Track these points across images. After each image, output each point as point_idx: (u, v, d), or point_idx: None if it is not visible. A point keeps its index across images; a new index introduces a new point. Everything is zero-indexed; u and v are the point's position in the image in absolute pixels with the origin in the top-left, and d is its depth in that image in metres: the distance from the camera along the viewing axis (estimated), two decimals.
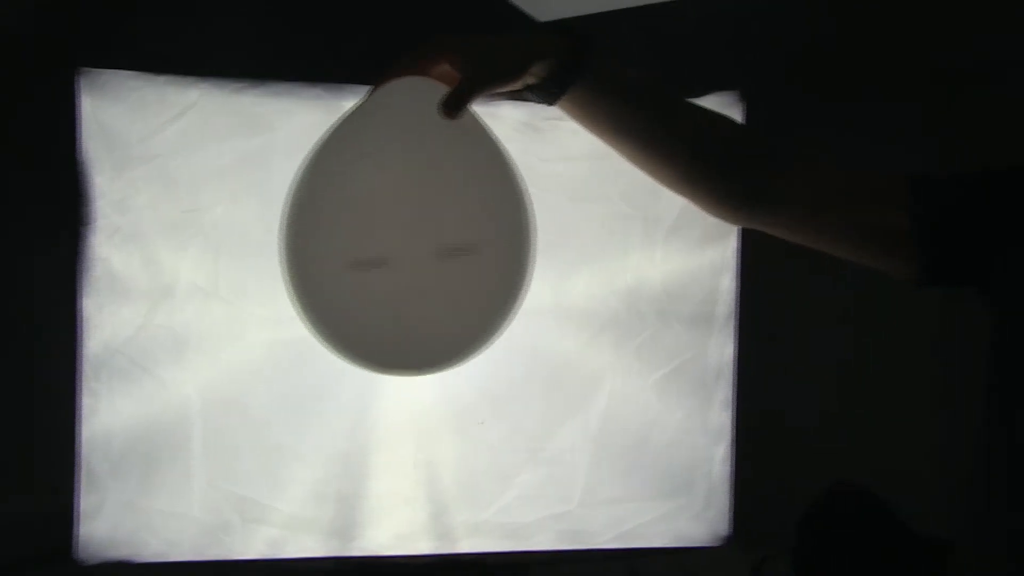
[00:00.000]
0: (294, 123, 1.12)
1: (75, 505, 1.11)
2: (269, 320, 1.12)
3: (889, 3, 1.26)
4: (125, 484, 1.11)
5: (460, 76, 0.85)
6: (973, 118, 1.36)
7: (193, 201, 1.11)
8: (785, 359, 1.36)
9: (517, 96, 0.94)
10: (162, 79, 1.09)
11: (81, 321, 1.09)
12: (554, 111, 0.95)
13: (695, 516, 1.27)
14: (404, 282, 0.89)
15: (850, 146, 1.30)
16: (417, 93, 0.86)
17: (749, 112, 1.24)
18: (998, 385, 0.81)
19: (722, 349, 1.26)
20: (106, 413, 1.10)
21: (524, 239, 0.89)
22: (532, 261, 0.89)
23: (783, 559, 1.14)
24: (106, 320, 1.10)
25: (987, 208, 0.83)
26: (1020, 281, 0.80)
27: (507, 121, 1.15)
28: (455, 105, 0.83)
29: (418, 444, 1.18)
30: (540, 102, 0.92)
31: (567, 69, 0.88)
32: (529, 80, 0.89)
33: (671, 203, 1.20)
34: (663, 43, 1.27)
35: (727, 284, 1.25)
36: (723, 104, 1.23)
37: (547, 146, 1.17)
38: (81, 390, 1.10)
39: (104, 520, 1.11)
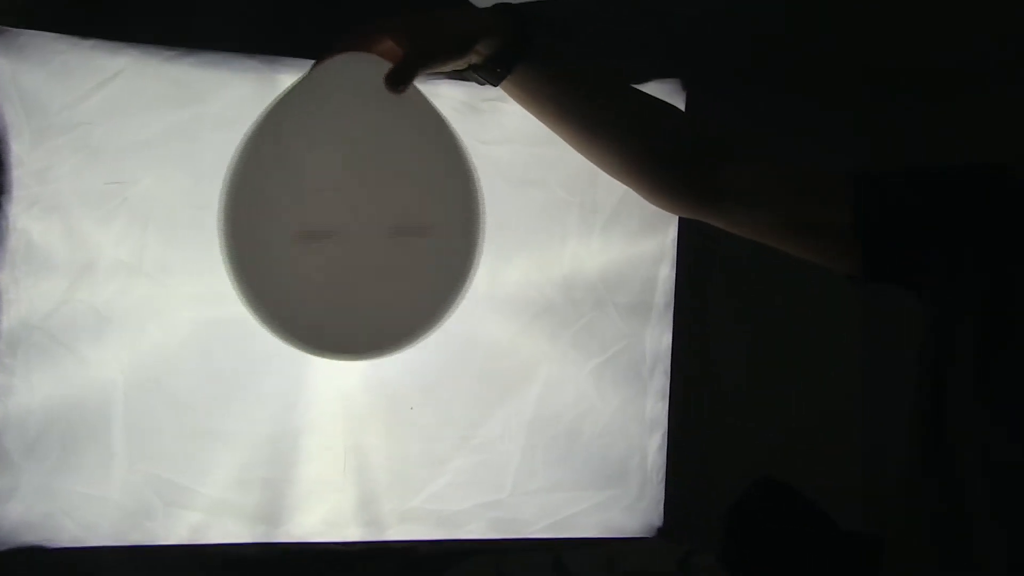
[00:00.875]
0: (227, 95, 1.08)
1: None
2: (196, 298, 1.09)
3: None
4: (41, 466, 1.07)
5: (404, 52, 0.83)
6: (912, 117, 1.38)
7: (118, 172, 1.07)
8: (722, 350, 1.36)
9: (460, 76, 0.93)
10: (88, 43, 1.04)
11: None
12: (495, 92, 0.93)
13: (628, 507, 1.26)
14: (348, 261, 0.87)
15: (792, 139, 1.32)
16: (361, 69, 0.85)
17: (690, 101, 1.23)
18: (929, 382, 0.81)
19: (659, 339, 1.26)
20: (22, 391, 1.05)
21: (474, 220, 0.88)
22: (481, 244, 0.88)
23: (709, 553, 1.14)
24: (23, 295, 1.05)
25: (929, 206, 0.83)
26: (956, 279, 0.81)
27: (447, 101, 1.13)
28: (400, 79, 0.82)
29: (347, 429, 1.16)
30: (484, 82, 0.91)
31: (512, 48, 0.87)
32: (473, 59, 0.88)
33: (610, 191, 1.19)
34: (606, 27, 1.26)
35: (665, 273, 1.25)
36: (664, 92, 1.22)
37: (487, 128, 1.15)
38: None
39: (18, 503, 1.07)
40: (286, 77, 1.08)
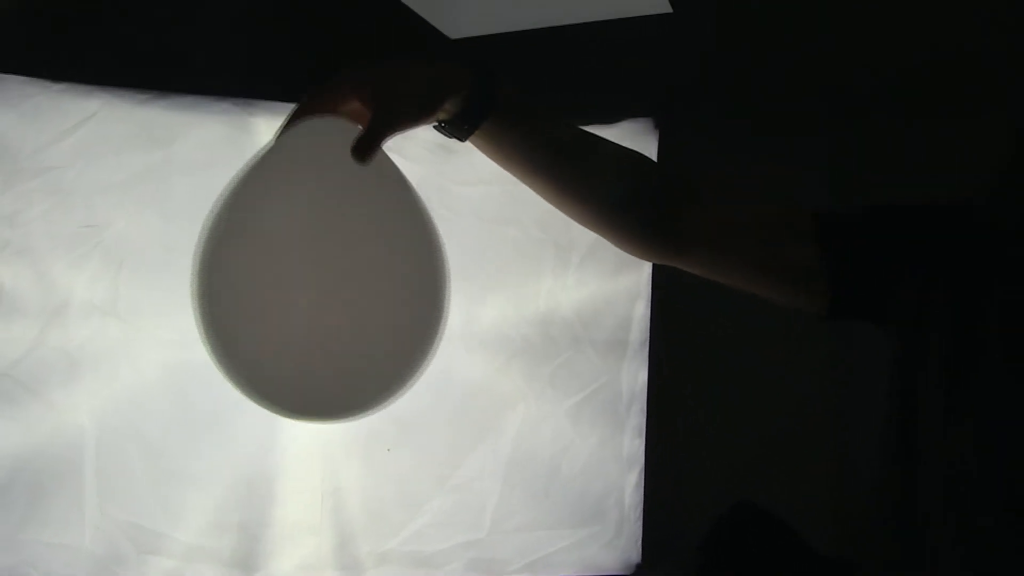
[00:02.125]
0: (199, 137, 1.09)
1: None
2: (168, 341, 1.08)
3: (801, 30, 1.27)
4: (8, 515, 1.05)
5: (370, 115, 0.83)
6: (883, 150, 1.39)
7: (90, 216, 1.06)
8: (698, 387, 1.36)
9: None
10: (59, 86, 1.05)
11: None
12: None
13: (607, 544, 1.26)
14: (317, 328, 0.86)
15: (763, 173, 1.32)
16: (327, 135, 0.84)
17: (663, 140, 1.25)
18: (896, 414, 0.82)
19: (635, 376, 1.26)
20: None
21: (439, 281, 0.87)
22: (447, 301, 0.88)
23: None
24: None
25: (893, 243, 0.84)
26: (922, 314, 0.81)
27: (420, 142, 1.14)
28: (366, 151, 0.81)
29: (324, 471, 1.15)
30: (451, 137, 0.90)
31: (478, 106, 0.87)
32: (440, 115, 0.87)
33: (585, 229, 1.19)
34: (577, 67, 1.27)
35: (641, 311, 1.26)
36: (637, 131, 1.24)
37: (460, 168, 1.16)
38: None
39: None
40: (259, 120, 1.09)
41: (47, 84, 1.04)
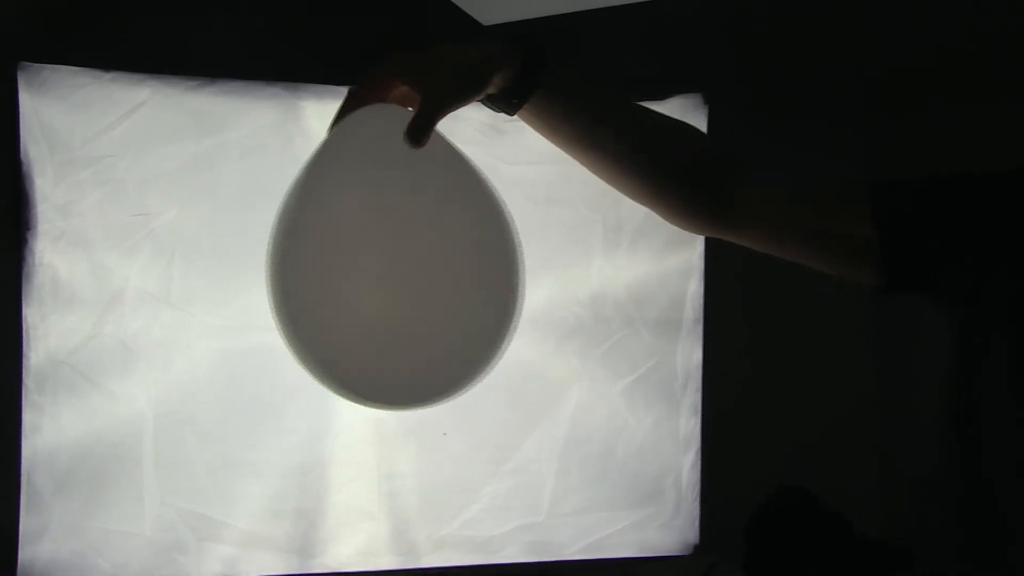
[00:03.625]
0: (249, 123, 1.08)
1: (16, 527, 1.05)
2: (223, 328, 1.09)
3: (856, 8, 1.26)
4: (71, 503, 1.06)
5: (419, 99, 0.82)
6: (932, 126, 1.37)
7: (142, 205, 1.07)
8: (754, 363, 1.35)
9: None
10: (109, 76, 1.05)
11: (24, 331, 1.04)
12: None
13: (664, 524, 1.25)
14: (393, 318, 0.86)
15: (813, 150, 1.31)
16: (381, 121, 0.84)
17: (712, 116, 1.23)
18: (963, 387, 0.81)
19: (690, 354, 1.25)
20: (50, 429, 1.05)
21: (513, 263, 0.86)
22: (523, 284, 0.87)
23: (737, 562, 1.14)
24: (50, 330, 1.05)
25: (950, 212, 0.83)
26: (984, 285, 0.80)
27: (470, 123, 1.13)
28: (419, 134, 0.81)
29: (379, 457, 1.15)
30: (500, 111, 0.90)
31: (527, 78, 0.87)
32: (489, 90, 0.87)
33: (635, 207, 1.16)
34: (626, 43, 1.26)
35: (694, 288, 1.24)
36: (686, 106, 1.22)
37: (510, 149, 1.15)
38: (23, 404, 1.04)
39: (48, 542, 1.06)
40: (308, 104, 1.09)
41: (97, 74, 1.04)
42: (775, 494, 1.13)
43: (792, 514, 1.10)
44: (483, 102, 0.89)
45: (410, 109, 0.84)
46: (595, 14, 1.21)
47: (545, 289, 1.19)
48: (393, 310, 0.85)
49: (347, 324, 0.85)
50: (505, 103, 0.88)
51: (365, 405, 0.88)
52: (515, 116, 0.90)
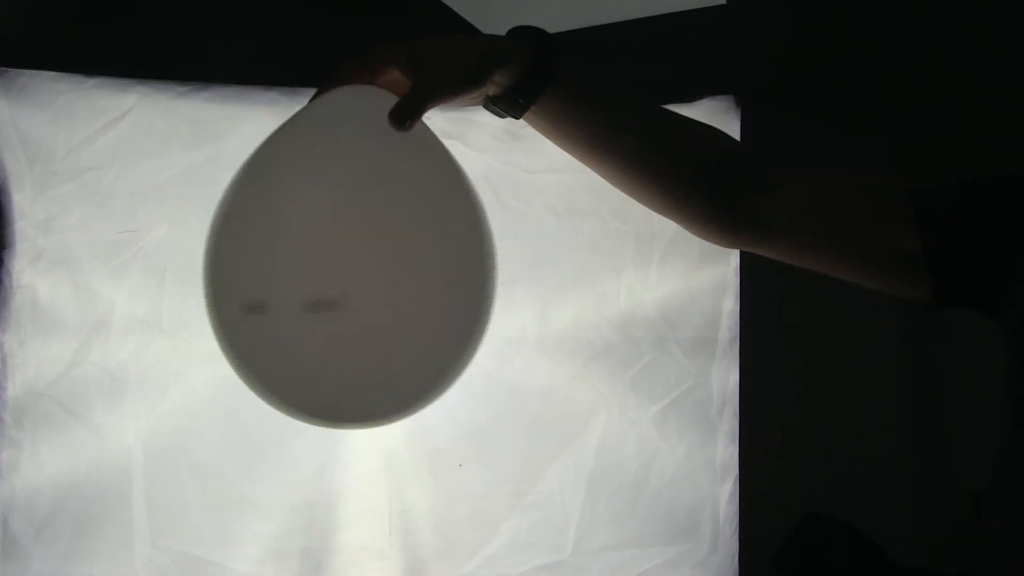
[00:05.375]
0: (246, 131, 1.03)
1: None
2: (217, 355, 1.01)
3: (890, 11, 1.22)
4: (52, 550, 1.01)
5: (411, 84, 0.78)
6: (970, 128, 1.33)
7: (131, 220, 1.03)
8: (795, 386, 1.29)
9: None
10: (92, 81, 1.01)
11: (1, 359, 1.00)
12: None
13: (701, 562, 1.19)
14: (349, 323, 0.78)
15: (848, 151, 1.28)
16: (362, 103, 0.79)
17: (745, 118, 1.18)
18: (1013, 414, 0.76)
19: (726, 377, 1.19)
20: (29, 467, 1.00)
21: (487, 273, 0.81)
22: (494, 292, 0.82)
23: None
24: (30, 358, 1.01)
25: (999, 221, 0.78)
26: None
27: (486, 128, 1.09)
28: (405, 115, 0.76)
29: (390, 491, 1.10)
30: (505, 115, 0.85)
31: (534, 76, 0.82)
32: (491, 90, 0.83)
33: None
34: (658, 44, 1.21)
35: (730, 306, 1.19)
36: (719, 109, 1.17)
37: (530, 156, 1.11)
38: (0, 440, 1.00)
39: None
40: None
41: (79, 79, 1.01)
42: (803, 522, 1.10)
43: (822, 543, 1.07)
44: (487, 107, 0.85)
45: (397, 99, 0.79)
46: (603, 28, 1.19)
47: (570, 308, 1.14)
48: (340, 312, 0.78)
49: (286, 327, 0.78)
50: (511, 104, 0.84)
51: (310, 423, 0.84)
52: (520, 120, 0.86)
